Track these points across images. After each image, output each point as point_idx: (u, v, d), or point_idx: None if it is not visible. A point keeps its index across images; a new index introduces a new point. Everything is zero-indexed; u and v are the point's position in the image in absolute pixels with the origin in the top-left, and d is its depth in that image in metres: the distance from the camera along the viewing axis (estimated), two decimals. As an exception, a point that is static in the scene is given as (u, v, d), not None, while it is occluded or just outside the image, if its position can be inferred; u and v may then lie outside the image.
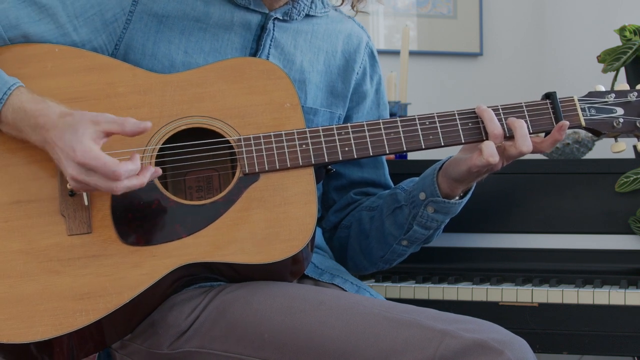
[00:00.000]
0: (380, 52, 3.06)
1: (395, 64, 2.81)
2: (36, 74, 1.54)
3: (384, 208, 1.76)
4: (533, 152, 1.63)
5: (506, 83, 3.09)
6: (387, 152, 1.60)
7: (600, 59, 2.18)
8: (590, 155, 2.43)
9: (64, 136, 1.45)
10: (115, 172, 1.43)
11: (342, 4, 1.81)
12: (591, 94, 1.68)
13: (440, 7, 3.12)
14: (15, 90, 1.50)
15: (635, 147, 2.26)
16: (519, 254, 2.15)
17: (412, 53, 2.89)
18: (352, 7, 1.82)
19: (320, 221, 1.90)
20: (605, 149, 2.50)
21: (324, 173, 1.63)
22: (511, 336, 1.40)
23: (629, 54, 2.15)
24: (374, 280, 2.14)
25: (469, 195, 1.72)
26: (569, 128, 1.64)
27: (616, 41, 2.19)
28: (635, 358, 2.09)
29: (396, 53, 2.86)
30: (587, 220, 2.12)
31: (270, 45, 1.72)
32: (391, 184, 1.90)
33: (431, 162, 1.73)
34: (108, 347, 1.59)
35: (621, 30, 2.18)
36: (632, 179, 2.07)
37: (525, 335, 1.46)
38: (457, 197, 1.70)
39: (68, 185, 1.48)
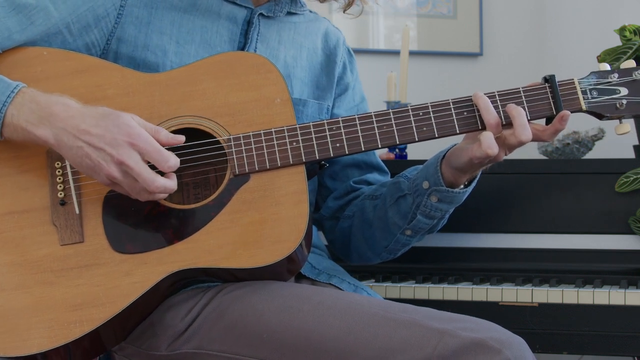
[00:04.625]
0: (380, 52, 3.07)
1: (395, 64, 2.81)
2: (26, 79, 1.53)
3: (387, 197, 1.75)
4: (534, 140, 1.59)
5: (506, 83, 3.06)
6: (380, 146, 1.58)
7: (600, 59, 2.18)
8: (590, 155, 2.43)
9: (102, 122, 1.46)
10: (168, 160, 1.46)
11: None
12: (593, 74, 1.62)
13: (440, 7, 3.12)
14: (22, 89, 1.50)
15: (635, 147, 2.26)
16: (519, 254, 2.15)
17: (412, 53, 2.89)
18: (344, 11, 1.84)
19: (319, 210, 1.89)
20: (605, 149, 2.50)
21: (317, 168, 1.62)
22: (510, 335, 1.39)
23: (629, 54, 2.14)
24: (373, 280, 2.14)
25: (473, 184, 1.69)
26: (571, 112, 1.58)
27: (616, 41, 2.19)
28: (635, 358, 2.09)
29: (396, 53, 2.86)
30: (587, 220, 2.11)
31: (256, 39, 1.73)
32: (382, 163, 1.90)
33: (431, 162, 1.73)
34: (107, 351, 1.59)
35: (621, 30, 2.18)
36: (632, 179, 2.06)
37: (525, 335, 1.46)
38: (461, 186, 1.68)
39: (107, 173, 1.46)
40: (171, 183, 1.48)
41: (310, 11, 1.88)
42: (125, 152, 1.45)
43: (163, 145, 1.48)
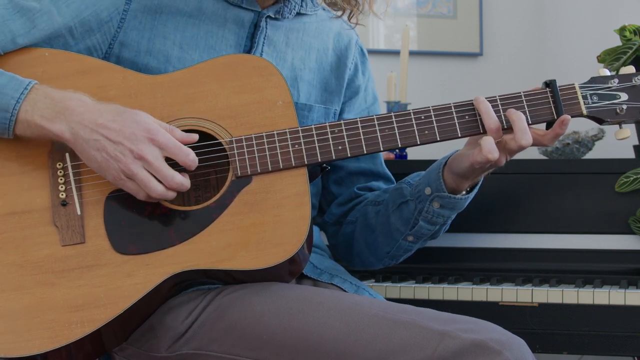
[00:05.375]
0: (380, 52, 3.07)
1: (395, 64, 2.81)
2: None
3: (390, 203, 1.75)
4: (535, 145, 1.60)
5: (506, 83, 3.09)
6: (382, 149, 1.58)
7: (600, 59, 2.18)
8: (590, 155, 2.43)
9: (119, 118, 1.47)
10: (189, 154, 1.48)
11: (342, 14, 1.81)
12: (594, 80, 1.63)
13: (440, 7, 3.12)
14: (35, 85, 1.50)
15: (635, 147, 2.26)
16: (519, 254, 2.15)
17: (412, 53, 2.89)
18: (349, 19, 1.83)
19: (323, 215, 1.89)
20: (605, 149, 2.50)
21: (319, 171, 1.62)
22: (510, 336, 1.40)
23: (629, 54, 2.15)
24: (374, 280, 2.14)
25: (475, 190, 1.69)
26: (571, 117, 1.59)
27: (616, 41, 2.19)
28: (635, 358, 2.09)
29: (396, 53, 2.86)
30: (587, 220, 2.12)
31: (263, 42, 1.72)
32: (388, 172, 1.90)
33: (431, 162, 1.73)
34: (108, 352, 1.59)
35: (621, 30, 2.18)
36: (632, 179, 2.06)
37: (525, 335, 1.46)
38: (463, 192, 1.68)
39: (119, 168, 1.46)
40: (187, 182, 1.50)
41: (324, 9, 1.87)
42: (145, 147, 1.46)
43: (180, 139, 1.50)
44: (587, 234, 2.12)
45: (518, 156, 1.77)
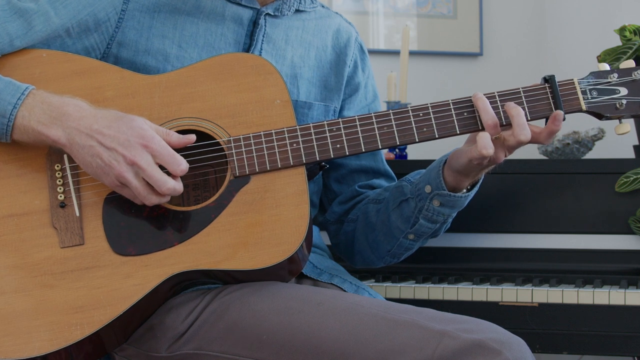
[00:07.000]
0: (380, 52, 3.07)
1: (395, 64, 2.81)
2: (25, 81, 1.53)
3: (390, 201, 1.75)
4: (531, 142, 1.59)
5: (506, 83, 3.05)
6: (380, 147, 1.58)
7: (600, 59, 2.18)
8: (590, 155, 2.43)
9: (115, 124, 1.47)
10: (180, 164, 1.47)
11: None
12: (593, 75, 1.61)
13: (440, 7, 3.12)
14: (32, 90, 1.51)
15: (635, 147, 2.26)
16: (519, 254, 2.15)
17: (412, 53, 2.89)
18: None
19: (324, 213, 1.89)
20: (605, 149, 2.50)
21: (318, 169, 1.62)
22: (509, 336, 1.40)
23: (629, 54, 2.15)
24: (374, 280, 2.14)
25: (476, 189, 1.69)
26: (571, 112, 1.59)
27: (616, 41, 2.19)
28: (635, 358, 2.09)
29: (396, 53, 2.86)
30: (587, 220, 2.12)
31: (262, 40, 1.72)
32: (390, 170, 1.90)
33: (431, 162, 1.72)
34: (108, 353, 1.59)
35: (621, 30, 2.18)
36: (632, 179, 2.06)
37: (525, 335, 1.46)
38: (464, 190, 1.68)
39: (120, 172, 1.46)
40: (180, 185, 1.50)
41: (323, 6, 1.87)
42: (138, 153, 1.46)
43: (174, 147, 1.49)
44: (587, 234, 2.12)
45: (518, 156, 1.77)
